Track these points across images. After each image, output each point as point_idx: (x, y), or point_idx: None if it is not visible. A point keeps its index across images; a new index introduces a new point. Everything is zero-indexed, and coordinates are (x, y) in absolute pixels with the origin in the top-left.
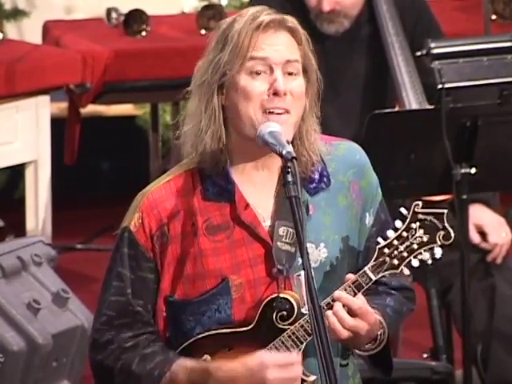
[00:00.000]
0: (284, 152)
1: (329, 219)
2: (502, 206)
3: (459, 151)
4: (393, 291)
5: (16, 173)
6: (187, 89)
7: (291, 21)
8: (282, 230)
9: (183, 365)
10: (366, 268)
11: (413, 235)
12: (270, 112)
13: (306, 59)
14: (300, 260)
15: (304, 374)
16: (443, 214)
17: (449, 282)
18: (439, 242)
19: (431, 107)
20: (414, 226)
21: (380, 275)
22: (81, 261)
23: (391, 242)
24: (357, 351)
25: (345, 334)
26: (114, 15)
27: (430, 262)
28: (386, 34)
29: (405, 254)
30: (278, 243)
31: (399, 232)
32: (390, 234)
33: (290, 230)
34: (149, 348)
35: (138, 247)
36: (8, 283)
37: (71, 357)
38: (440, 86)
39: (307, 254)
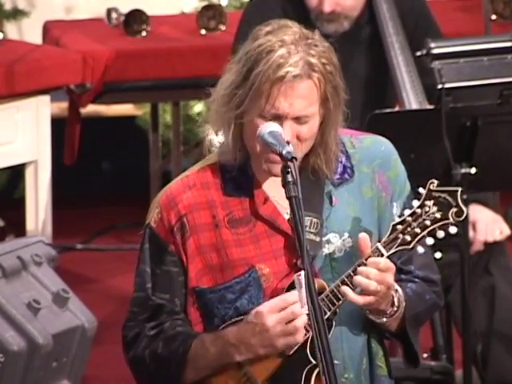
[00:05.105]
0: (284, 152)
1: (354, 210)
2: (502, 206)
3: (459, 151)
4: (416, 279)
5: (16, 173)
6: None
7: (316, 64)
8: (305, 220)
9: (200, 338)
10: (378, 244)
11: (426, 212)
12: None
13: (326, 98)
14: (324, 250)
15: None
16: (457, 191)
17: (449, 282)
18: (451, 219)
19: (431, 107)
20: (428, 203)
21: (392, 251)
22: (81, 261)
23: (405, 219)
24: (373, 318)
25: (373, 286)
26: (114, 15)
27: (438, 256)
28: (386, 33)
29: (417, 231)
30: None
31: (413, 209)
32: (406, 212)
33: (314, 219)
34: (172, 331)
35: (159, 242)
36: (8, 283)
37: (71, 357)
38: (440, 86)
39: (307, 253)
